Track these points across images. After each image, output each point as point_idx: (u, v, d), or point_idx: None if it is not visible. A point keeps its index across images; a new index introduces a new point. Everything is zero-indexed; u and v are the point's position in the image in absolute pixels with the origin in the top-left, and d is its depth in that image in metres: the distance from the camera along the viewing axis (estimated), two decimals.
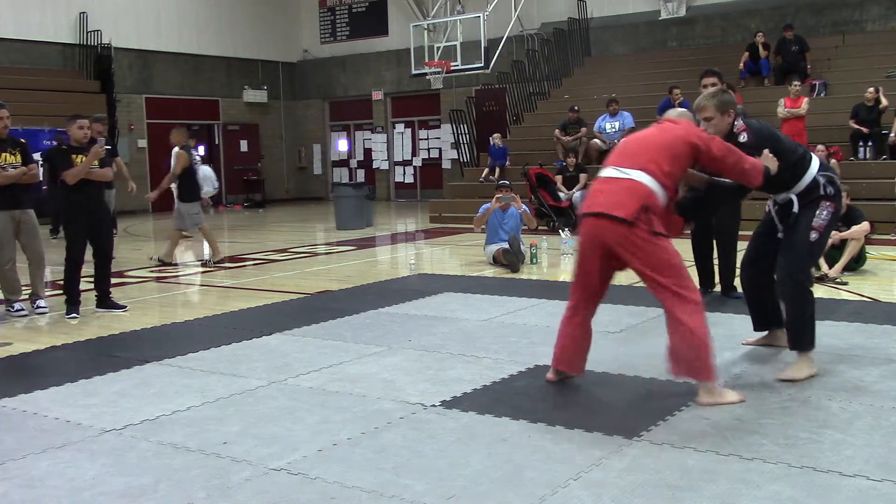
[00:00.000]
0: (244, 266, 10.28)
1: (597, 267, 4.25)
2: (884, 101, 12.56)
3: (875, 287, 7.33)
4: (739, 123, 4.54)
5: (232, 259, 11.07)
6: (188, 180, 10.07)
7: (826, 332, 5.51)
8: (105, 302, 7.16)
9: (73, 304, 6.99)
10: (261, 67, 23.30)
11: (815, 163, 4.64)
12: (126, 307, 7.16)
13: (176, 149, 10.18)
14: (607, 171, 4.25)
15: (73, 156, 6.97)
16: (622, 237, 4.05)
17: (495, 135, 16.08)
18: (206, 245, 10.64)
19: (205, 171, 10.59)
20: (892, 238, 10.79)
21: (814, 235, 4.50)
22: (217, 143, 22.16)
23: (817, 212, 4.53)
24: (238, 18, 22.62)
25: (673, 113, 4.59)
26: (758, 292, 4.98)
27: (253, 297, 7.75)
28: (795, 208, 4.56)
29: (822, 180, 4.59)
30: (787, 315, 4.55)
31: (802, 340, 4.54)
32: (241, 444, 3.70)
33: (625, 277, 8.33)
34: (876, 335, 5.42)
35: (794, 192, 4.57)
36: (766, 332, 5.14)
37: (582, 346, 4.44)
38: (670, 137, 4.25)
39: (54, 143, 14.58)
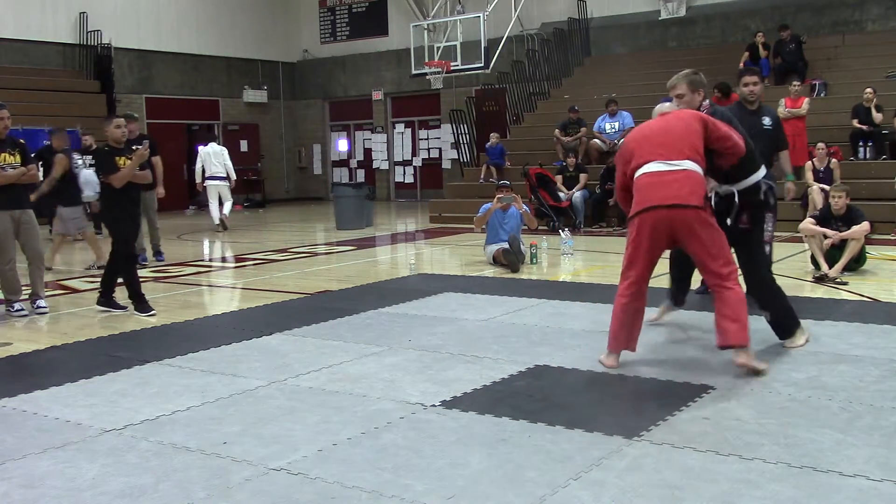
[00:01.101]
0: (244, 266, 10.28)
1: (658, 254, 4.71)
2: (876, 116, 12.48)
3: (875, 287, 7.32)
4: (706, 104, 4.98)
5: (233, 259, 11.08)
6: (69, 185, 9.92)
7: (826, 332, 5.52)
8: (108, 301, 7.14)
9: (143, 303, 6.98)
10: (261, 67, 23.32)
11: (763, 168, 5.05)
12: (126, 307, 7.15)
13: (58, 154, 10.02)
14: (655, 166, 4.58)
15: (117, 158, 6.89)
16: (693, 222, 4.49)
17: (493, 134, 16.09)
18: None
19: (86, 176, 10.61)
20: (892, 238, 10.79)
21: (767, 248, 5.16)
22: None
23: (765, 225, 5.08)
24: (238, 18, 22.63)
25: (666, 106, 5.00)
26: (685, 274, 5.69)
27: (253, 297, 7.75)
28: (736, 200, 4.89)
29: (764, 186, 4.98)
30: (771, 314, 5.04)
31: (792, 326, 5.13)
32: (241, 444, 3.70)
33: None
34: (876, 335, 5.42)
35: (736, 188, 4.90)
36: (667, 306, 5.82)
37: (640, 324, 4.84)
38: (687, 120, 4.69)
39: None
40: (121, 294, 7.19)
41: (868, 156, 12.65)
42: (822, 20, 16.93)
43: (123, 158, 6.91)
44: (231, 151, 18.16)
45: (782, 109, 12.81)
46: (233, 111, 22.82)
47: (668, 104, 5.01)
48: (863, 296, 6.90)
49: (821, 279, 7.50)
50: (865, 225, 7.90)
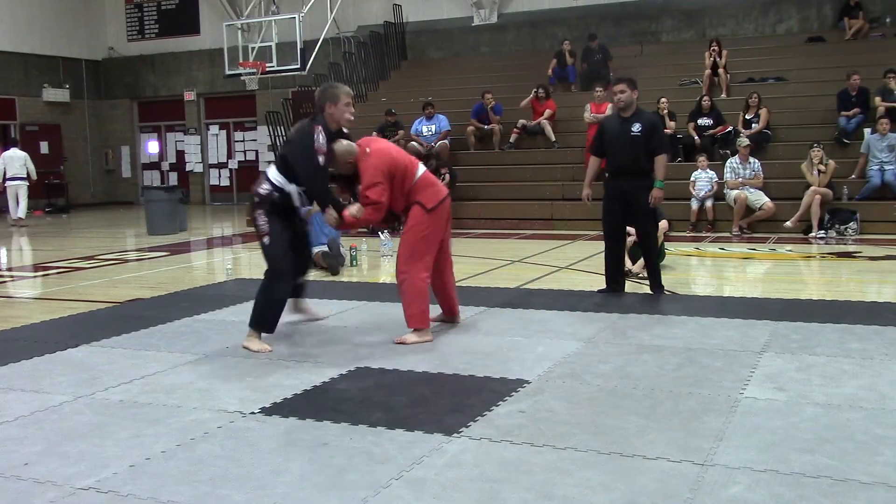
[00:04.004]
0: (46, 275, 9.67)
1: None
2: (670, 125, 13.28)
3: (673, 281, 7.82)
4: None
5: (33, 268, 10.40)
6: None
7: (630, 324, 5.85)
8: None
9: None
10: (62, 65, 22.00)
11: (272, 169, 5.43)
12: None
13: None
14: (423, 167, 5.55)
15: None
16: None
17: None
18: None
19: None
20: (688, 235, 11.58)
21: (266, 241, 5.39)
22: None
23: (258, 222, 5.46)
24: (36, 12, 21.25)
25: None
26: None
27: (56, 308, 7.30)
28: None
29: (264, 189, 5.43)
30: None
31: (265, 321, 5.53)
32: (44, 465, 3.48)
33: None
34: (674, 325, 5.79)
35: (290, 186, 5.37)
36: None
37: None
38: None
39: None
40: None
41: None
42: (623, 30, 17.92)
43: None
44: (30, 153, 17.48)
45: (588, 115, 13.46)
46: (31, 111, 21.41)
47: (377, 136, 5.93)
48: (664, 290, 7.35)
49: (625, 274, 7.92)
50: (663, 223, 8.43)
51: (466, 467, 3.34)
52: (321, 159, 5.17)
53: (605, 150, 7.09)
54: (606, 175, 7.13)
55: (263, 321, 5.43)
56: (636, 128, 6.80)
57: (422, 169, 5.45)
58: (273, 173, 5.35)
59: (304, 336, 5.77)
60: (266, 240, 5.34)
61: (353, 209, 5.28)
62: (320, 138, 5.15)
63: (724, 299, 7.16)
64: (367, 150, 5.32)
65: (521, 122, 14.70)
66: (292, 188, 5.31)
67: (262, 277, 5.48)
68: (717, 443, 3.52)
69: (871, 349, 5.02)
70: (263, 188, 5.34)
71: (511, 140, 14.76)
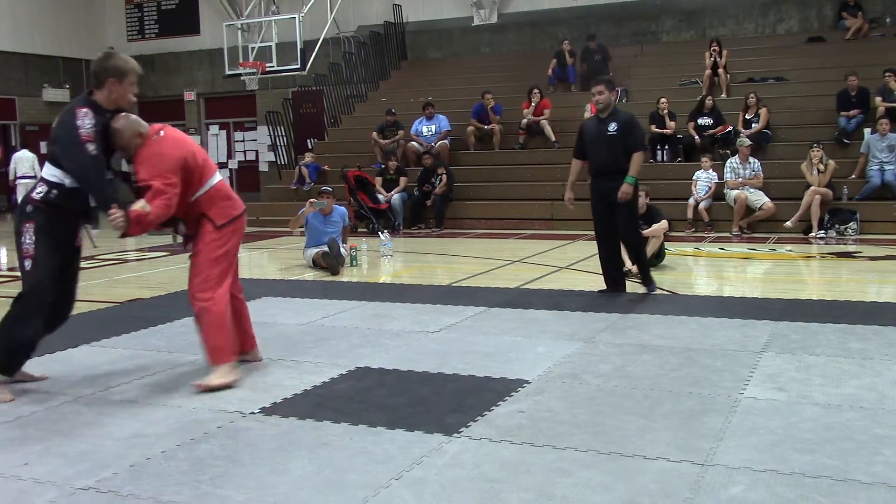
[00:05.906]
0: None
1: None
2: (670, 125, 13.32)
3: (673, 281, 7.83)
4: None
5: None
6: None
7: (630, 324, 5.85)
8: None
9: None
10: (62, 65, 22.00)
11: (51, 167, 4.44)
12: None
13: None
14: (220, 175, 4.79)
15: None
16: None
17: (307, 154, 15.84)
18: None
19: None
20: (688, 235, 11.58)
21: (27, 265, 4.36)
22: (14, 144, 20.71)
23: (22, 239, 4.39)
24: (36, 12, 21.24)
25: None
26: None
27: None
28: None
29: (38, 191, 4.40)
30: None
31: None
32: (44, 464, 3.48)
33: (445, 278, 8.51)
34: (674, 325, 5.79)
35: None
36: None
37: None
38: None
39: None
40: None
41: (665, 158, 13.50)
42: (623, 31, 17.92)
43: None
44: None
45: (588, 115, 13.45)
46: (31, 111, 21.40)
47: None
48: (662, 289, 7.36)
49: (625, 274, 7.92)
50: (664, 223, 8.44)
51: (466, 467, 3.34)
52: (92, 147, 4.24)
53: (585, 152, 7.15)
54: (592, 176, 7.17)
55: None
56: (612, 127, 6.87)
57: (218, 177, 4.71)
58: (48, 170, 4.40)
59: (303, 336, 5.77)
60: (27, 263, 4.34)
61: (138, 204, 4.32)
62: (86, 122, 4.26)
63: (724, 299, 7.16)
64: (161, 133, 4.53)
65: (524, 121, 14.70)
66: (70, 180, 4.36)
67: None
68: (717, 443, 3.52)
69: (871, 349, 5.02)
70: (37, 191, 4.39)
71: (521, 141, 14.75)
